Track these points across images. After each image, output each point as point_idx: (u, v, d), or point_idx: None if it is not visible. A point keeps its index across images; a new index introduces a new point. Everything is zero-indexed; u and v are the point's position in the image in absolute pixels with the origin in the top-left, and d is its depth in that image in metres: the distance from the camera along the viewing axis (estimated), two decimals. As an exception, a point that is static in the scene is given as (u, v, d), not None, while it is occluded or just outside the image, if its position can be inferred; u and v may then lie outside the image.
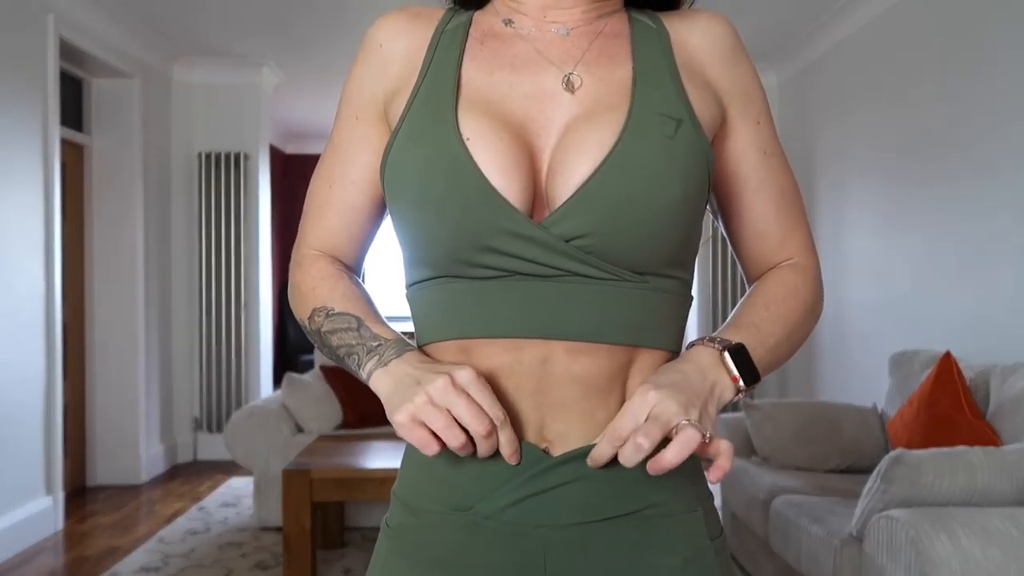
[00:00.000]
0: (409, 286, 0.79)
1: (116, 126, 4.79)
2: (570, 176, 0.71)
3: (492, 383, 0.72)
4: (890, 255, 4.00)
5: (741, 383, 0.72)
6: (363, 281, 0.86)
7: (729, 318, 0.80)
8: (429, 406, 0.68)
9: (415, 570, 0.76)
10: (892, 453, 2.13)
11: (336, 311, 0.78)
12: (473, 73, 0.76)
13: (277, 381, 6.42)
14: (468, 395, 0.68)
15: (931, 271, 3.63)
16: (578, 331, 0.71)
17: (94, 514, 4.19)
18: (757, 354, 0.74)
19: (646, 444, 0.65)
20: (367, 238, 0.85)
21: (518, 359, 0.72)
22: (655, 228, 0.70)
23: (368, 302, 0.80)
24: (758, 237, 0.83)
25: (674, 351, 0.77)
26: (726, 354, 0.72)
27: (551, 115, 0.74)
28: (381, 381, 0.73)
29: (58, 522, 3.92)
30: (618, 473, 0.71)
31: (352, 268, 0.85)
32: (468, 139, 0.71)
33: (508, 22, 0.79)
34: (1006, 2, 3.13)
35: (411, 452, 0.80)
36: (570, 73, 0.75)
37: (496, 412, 0.69)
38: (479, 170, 0.70)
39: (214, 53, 5.23)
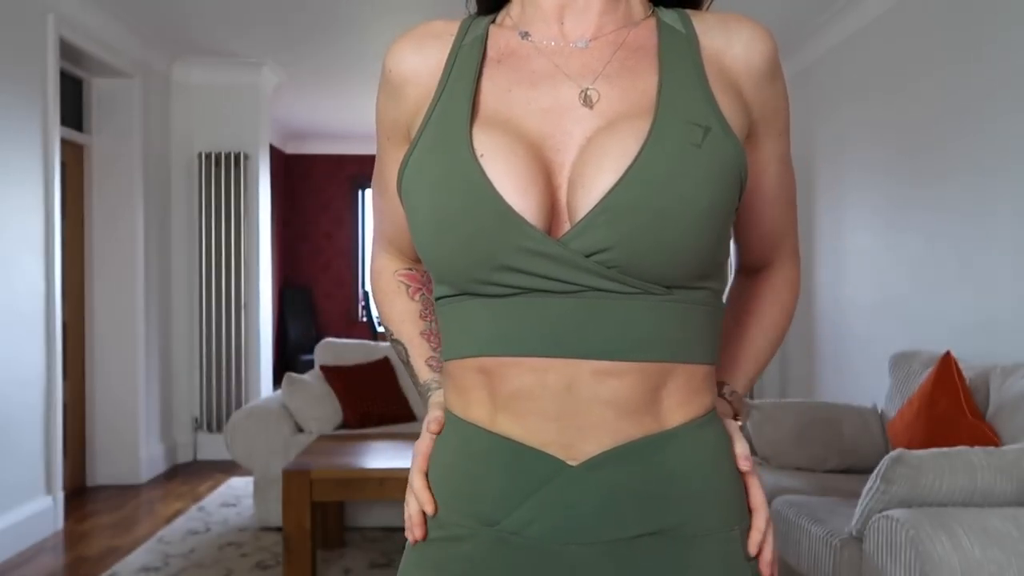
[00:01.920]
0: (435, 300, 0.78)
1: (116, 126, 4.79)
2: (591, 188, 0.68)
3: (514, 406, 0.71)
4: (890, 255, 4.00)
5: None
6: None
7: (736, 341, 0.86)
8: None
9: None
10: (892, 453, 2.13)
11: (393, 336, 0.89)
12: (489, 90, 0.74)
13: (277, 381, 6.42)
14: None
15: (931, 271, 3.63)
16: (603, 349, 0.69)
17: (94, 514, 4.19)
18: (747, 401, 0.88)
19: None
20: None
21: (542, 382, 0.70)
22: (681, 240, 0.67)
23: (419, 316, 0.88)
24: (764, 238, 0.87)
25: (710, 363, 0.74)
26: (739, 420, 0.82)
27: (570, 130, 0.71)
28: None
29: (58, 522, 3.92)
30: (643, 484, 0.71)
31: (415, 257, 0.91)
32: (482, 156, 0.69)
33: (525, 35, 0.77)
34: (1005, 2, 3.13)
35: (436, 464, 0.79)
36: (587, 88, 0.72)
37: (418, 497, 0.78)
38: (492, 187, 0.68)
39: (214, 53, 5.22)
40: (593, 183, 0.68)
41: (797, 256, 0.90)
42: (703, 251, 0.69)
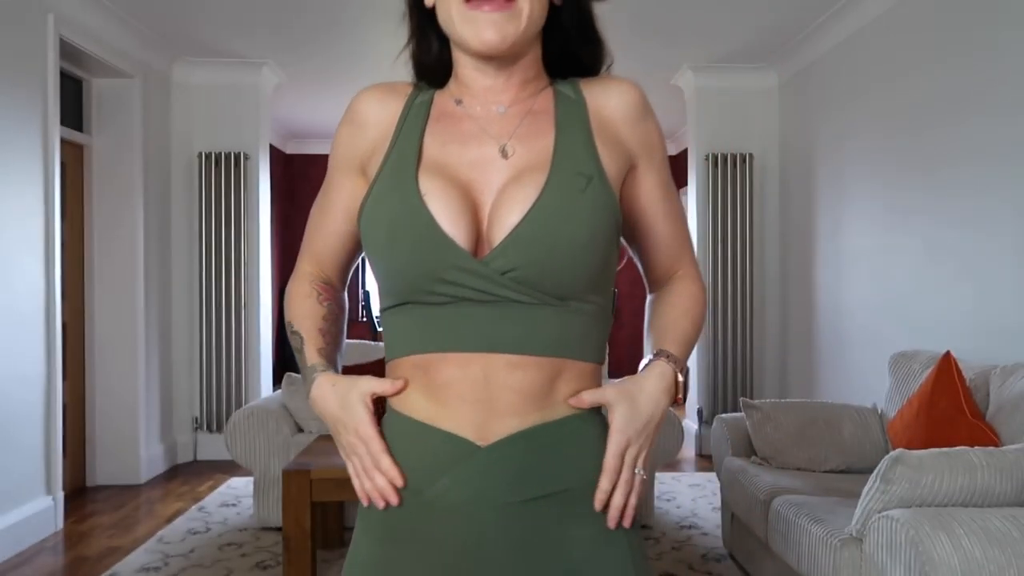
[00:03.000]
0: (382, 311, 0.98)
1: (116, 126, 4.79)
2: (503, 224, 0.90)
3: (443, 393, 0.91)
4: (890, 255, 4.00)
5: (680, 398, 0.96)
6: (345, 289, 1.12)
7: (662, 323, 1.02)
8: (349, 465, 0.97)
9: (379, 545, 0.95)
10: (892, 453, 2.14)
11: (294, 328, 1.03)
12: (431, 144, 0.96)
13: (277, 381, 6.41)
14: (365, 448, 0.94)
15: (931, 271, 3.64)
16: (513, 345, 0.90)
17: (94, 514, 4.20)
18: (687, 364, 0.99)
19: (626, 497, 0.93)
20: (347, 256, 1.08)
21: (465, 373, 0.90)
22: (569, 262, 0.89)
23: (322, 318, 1.03)
24: (662, 251, 1.06)
25: (596, 362, 0.96)
26: (680, 377, 0.96)
27: (491, 177, 0.93)
28: (315, 409, 0.99)
29: (58, 522, 3.92)
30: (538, 460, 0.91)
31: (337, 280, 1.09)
32: (425, 195, 0.91)
33: (459, 102, 0.99)
34: (1006, 2, 3.13)
35: None
36: (505, 144, 0.95)
37: (375, 454, 0.94)
38: (433, 218, 0.89)
39: (214, 53, 5.23)
40: (504, 220, 0.90)
41: (697, 274, 1.08)
42: (588, 271, 0.91)
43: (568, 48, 1.02)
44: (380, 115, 1.00)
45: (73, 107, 4.63)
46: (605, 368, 4.30)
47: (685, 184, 8.12)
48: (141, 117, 4.85)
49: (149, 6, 4.39)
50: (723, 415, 3.52)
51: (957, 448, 2.15)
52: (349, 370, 4.22)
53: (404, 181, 0.92)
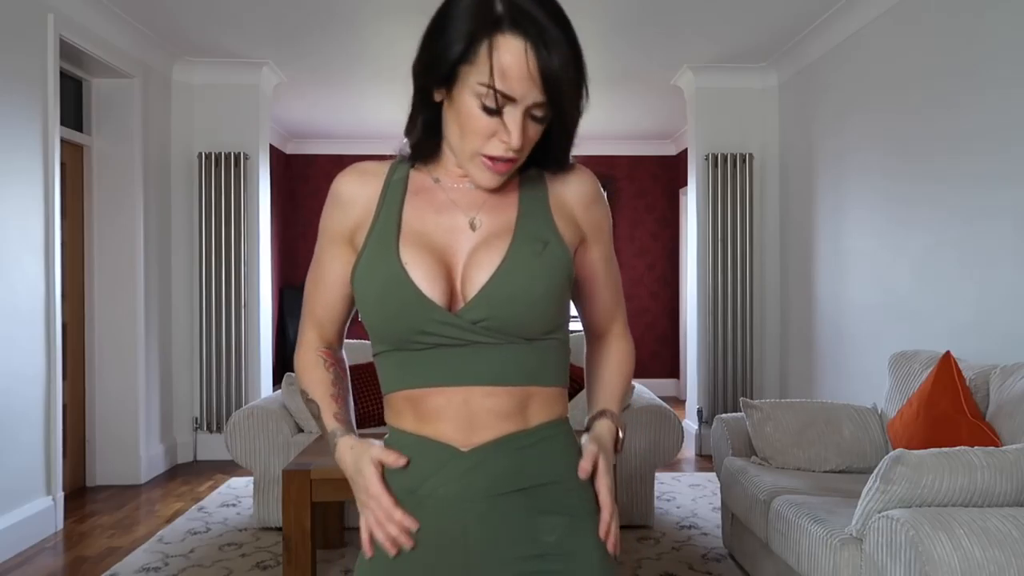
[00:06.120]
0: (375, 355, 1.17)
1: (116, 126, 4.79)
2: (473, 283, 1.09)
3: (431, 418, 1.10)
4: (890, 255, 4.00)
5: (619, 448, 1.19)
6: (342, 346, 1.31)
7: (603, 382, 1.25)
8: (362, 518, 1.14)
9: None
10: (892, 453, 2.14)
11: (309, 397, 1.24)
12: (410, 215, 1.14)
13: (277, 381, 6.42)
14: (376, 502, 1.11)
15: (931, 271, 3.64)
16: (486, 379, 1.09)
17: (94, 514, 4.20)
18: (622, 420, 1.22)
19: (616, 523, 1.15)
20: (344, 316, 1.27)
21: (448, 401, 1.09)
22: (529, 312, 1.08)
23: (331, 383, 1.23)
24: (600, 310, 1.28)
25: (560, 385, 1.16)
26: (620, 433, 1.19)
27: (462, 244, 1.12)
28: (340, 464, 1.17)
29: (58, 522, 3.93)
30: (513, 461, 1.09)
31: (336, 340, 1.29)
32: (407, 264, 1.09)
33: (436, 180, 1.17)
34: (1006, 3, 3.13)
35: None
36: (473, 217, 1.13)
37: (387, 509, 1.10)
38: (414, 284, 1.08)
39: (214, 53, 5.23)
40: (474, 280, 1.09)
41: (627, 332, 1.31)
42: (544, 318, 1.10)
43: (545, 146, 1.15)
44: (361, 194, 1.18)
45: (73, 107, 4.63)
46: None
47: (685, 184, 8.13)
48: (141, 117, 4.85)
49: (149, 6, 4.39)
50: (723, 415, 3.52)
51: (957, 448, 2.15)
52: (353, 369, 4.22)
53: (388, 252, 1.11)
